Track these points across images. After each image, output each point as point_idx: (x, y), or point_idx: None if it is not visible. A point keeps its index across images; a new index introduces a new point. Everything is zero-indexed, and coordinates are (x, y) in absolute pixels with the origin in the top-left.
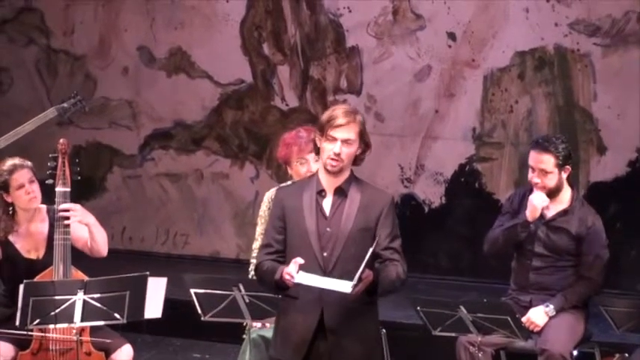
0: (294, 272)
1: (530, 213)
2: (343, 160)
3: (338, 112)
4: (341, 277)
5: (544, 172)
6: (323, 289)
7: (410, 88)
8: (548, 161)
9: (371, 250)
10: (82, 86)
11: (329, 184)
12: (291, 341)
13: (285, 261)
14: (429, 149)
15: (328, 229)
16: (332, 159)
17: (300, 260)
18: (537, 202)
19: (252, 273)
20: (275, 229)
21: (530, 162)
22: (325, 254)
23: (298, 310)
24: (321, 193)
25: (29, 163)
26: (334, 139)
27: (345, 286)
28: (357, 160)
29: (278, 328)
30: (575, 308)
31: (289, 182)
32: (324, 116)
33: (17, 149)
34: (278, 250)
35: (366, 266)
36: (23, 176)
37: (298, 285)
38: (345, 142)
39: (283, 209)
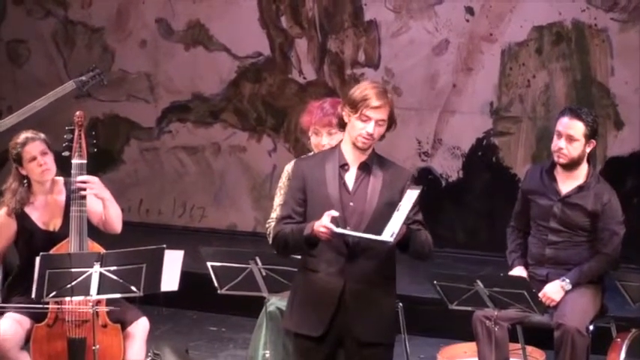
0: (329, 224)
1: (547, 301)
2: (375, 139)
3: (373, 92)
4: (364, 251)
5: (571, 139)
6: (360, 240)
7: (428, 62)
8: (578, 128)
9: (406, 204)
10: (100, 59)
11: (354, 158)
12: (312, 314)
13: None
14: (446, 123)
15: (351, 203)
16: (365, 137)
17: (334, 213)
18: (555, 296)
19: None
20: (295, 200)
21: (559, 127)
22: (348, 228)
23: (319, 283)
24: (344, 166)
25: (42, 136)
26: (369, 119)
27: (385, 237)
28: (381, 137)
29: (295, 300)
30: (592, 283)
31: (310, 154)
32: (358, 93)
33: (35, 122)
34: (298, 222)
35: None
36: (35, 148)
37: (332, 238)
38: (378, 122)
39: (304, 181)
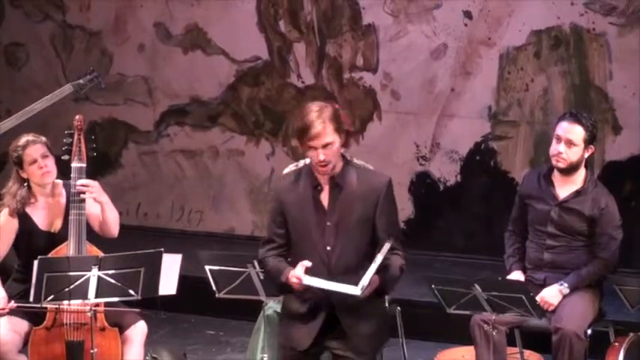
0: (302, 275)
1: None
2: (331, 161)
3: (310, 120)
4: (345, 270)
5: (570, 144)
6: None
7: (426, 66)
8: (578, 133)
9: (380, 257)
10: (98, 62)
11: (323, 178)
12: (301, 328)
13: (288, 254)
14: (444, 127)
15: (328, 223)
16: (321, 166)
17: (307, 263)
18: (553, 300)
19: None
20: (276, 223)
21: (559, 131)
22: (328, 248)
23: (307, 303)
24: (317, 187)
25: (43, 139)
26: (315, 148)
27: (353, 289)
28: (345, 145)
29: (285, 315)
30: (590, 287)
31: (292, 166)
32: (297, 126)
33: (34, 125)
34: (281, 244)
35: (378, 271)
36: (36, 151)
37: (306, 288)
38: (325, 146)
39: (282, 204)
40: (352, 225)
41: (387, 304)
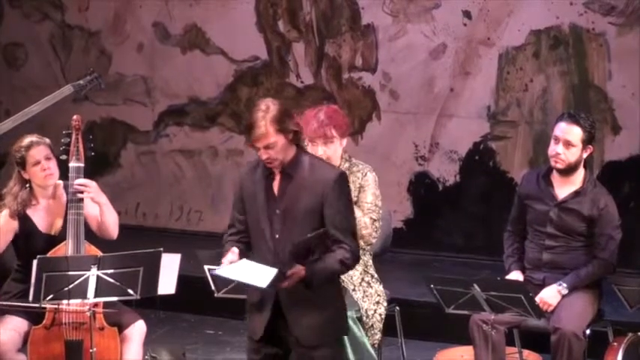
0: (226, 262)
1: (543, 305)
2: (277, 158)
3: (253, 120)
4: (290, 261)
5: (568, 145)
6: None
7: (425, 66)
8: (576, 134)
9: (300, 242)
10: (97, 62)
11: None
12: (254, 319)
13: (249, 240)
14: (443, 127)
15: (277, 211)
16: (266, 162)
17: (235, 250)
18: (552, 300)
19: None
20: (237, 209)
21: (557, 132)
22: (277, 236)
23: (258, 291)
24: (270, 175)
25: (47, 140)
26: (257, 148)
27: (262, 281)
28: (295, 140)
29: (247, 305)
30: (588, 287)
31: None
32: (246, 121)
33: (32, 126)
34: (240, 230)
35: (291, 261)
36: (40, 153)
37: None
38: (267, 146)
39: (242, 190)
40: (299, 214)
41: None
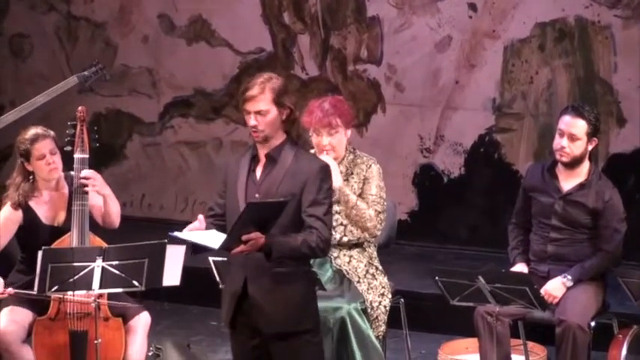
0: (189, 227)
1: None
2: (263, 130)
3: (248, 85)
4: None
5: (573, 138)
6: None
7: (430, 58)
8: (580, 127)
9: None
10: (102, 54)
11: (261, 150)
12: (225, 304)
13: (225, 225)
14: (448, 120)
15: (257, 195)
16: (252, 131)
17: (201, 217)
18: (557, 292)
19: None
20: (218, 192)
21: (561, 126)
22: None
23: (228, 274)
24: (255, 158)
25: (52, 133)
26: (248, 112)
27: (215, 243)
28: (287, 124)
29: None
30: (593, 279)
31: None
32: (241, 88)
33: (37, 117)
34: (218, 213)
35: (238, 227)
36: (45, 146)
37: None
38: (258, 113)
39: (226, 174)
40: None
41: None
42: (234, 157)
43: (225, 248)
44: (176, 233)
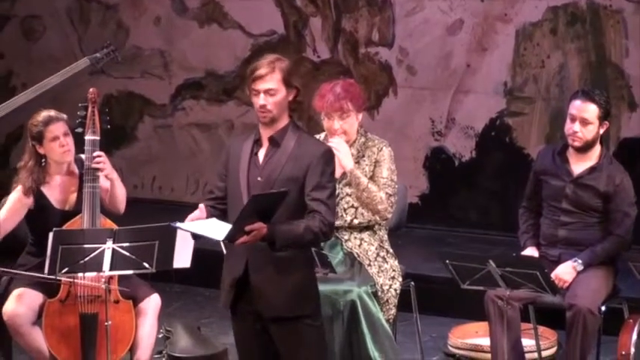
0: (190, 218)
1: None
2: (271, 111)
3: (256, 65)
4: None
5: (585, 122)
6: None
7: (442, 41)
8: (592, 111)
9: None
10: (114, 35)
11: (264, 133)
12: (224, 288)
13: (226, 208)
14: (460, 103)
15: (259, 178)
16: (260, 111)
17: (202, 206)
18: (567, 277)
19: None
20: (218, 175)
21: (572, 111)
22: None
23: (229, 259)
24: (258, 142)
25: (65, 116)
26: (257, 92)
27: (220, 235)
28: (291, 105)
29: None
30: (604, 264)
31: (322, 134)
32: (248, 69)
33: (49, 99)
34: (218, 196)
35: (244, 216)
36: (59, 129)
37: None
38: (267, 92)
39: (227, 156)
40: (281, 183)
41: (412, 282)
42: (236, 140)
43: (230, 240)
44: (178, 224)
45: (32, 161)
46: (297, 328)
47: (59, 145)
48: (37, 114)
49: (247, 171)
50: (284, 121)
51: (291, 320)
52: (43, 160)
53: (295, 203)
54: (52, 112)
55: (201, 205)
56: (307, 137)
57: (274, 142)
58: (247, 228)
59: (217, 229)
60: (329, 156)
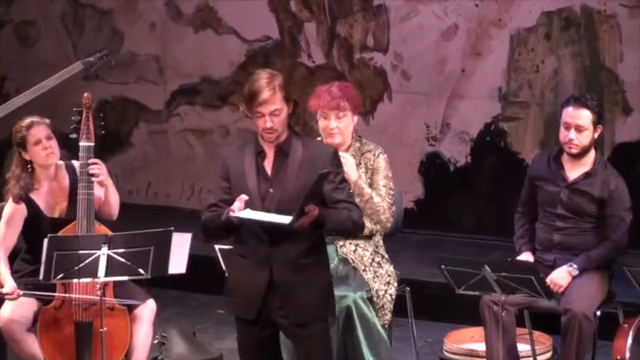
0: (236, 208)
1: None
2: (277, 130)
3: (259, 86)
4: (287, 237)
5: (580, 129)
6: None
7: (436, 46)
8: (585, 117)
9: (312, 184)
10: (109, 41)
11: (267, 145)
12: (245, 298)
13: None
14: (454, 108)
15: (271, 190)
16: (267, 133)
17: (244, 197)
18: (562, 281)
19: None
20: (222, 189)
21: (566, 119)
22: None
23: (248, 268)
24: (261, 154)
25: (47, 120)
26: (262, 115)
27: (285, 219)
28: (290, 117)
29: (229, 284)
30: (599, 269)
31: (318, 139)
32: (247, 91)
33: (44, 104)
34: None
35: (307, 199)
36: (40, 132)
37: (242, 221)
38: (272, 113)
39: (227, 170)
40: (295, 192)
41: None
42: (229, 152)
43: (293, 223)
44: (238, 214)
45: (19, 169)
46: (321, 328)
47: (42, 148)
48: (20, 121)
49: (257, 184)
50: (285, 132)
51: (312, 324)
52: (29, 166)
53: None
54: (34, 118)
55: (243, 196)
56: (311, 140)
57: (282, 152)
58: (307, 208)
59: (274, 217)
60: (337, 156)
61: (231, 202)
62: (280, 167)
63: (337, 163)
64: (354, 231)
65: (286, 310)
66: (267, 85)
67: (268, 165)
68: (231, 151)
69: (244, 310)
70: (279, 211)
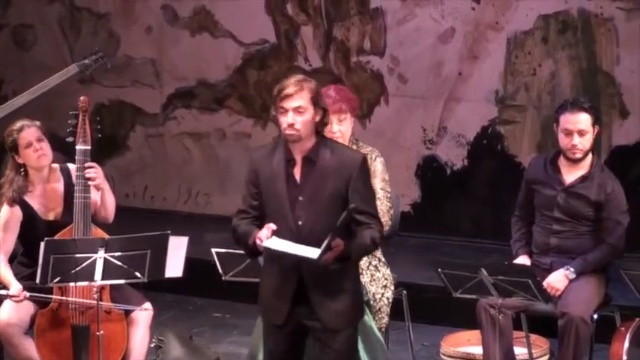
0: (264, 237)
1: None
2: (299, 130)
3: (285, 84)
4: (316, 245)
5: (582, 133)
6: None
7: (433, 50)
8: (585, 120)
9: (341, 218)
10: (106, 44)
11: (296, 152)
12: (274, 304)
13: (262, 226)
14: (451, 111)
15: (300, 197)
16: (288, 130)
17: (272, 226)
18: (559, 285)
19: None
20: (250, 194)
21: (567, 125)
22: (300, 223)
23: (278, 273)
24: (290, 162)
25: (38, 123)
26: (285, 110)
27: (312, 253)
28: (319, 126)
29: (262, 288)
30: (596, 272)
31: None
32: (276, 89)
33: (40, 107)
34: (255, 216)
35: (335, 235)
36: (31, 134)
37: (267, 249)
38: (296, 110)
39: (257, 175)
40: (324, 200)
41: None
42: (258, 156)
43: (320, 257)
44: (265, 243)
45: (12, 172)
46: (351, 334)
47: (33, 150)
48: (11, 125)
49: (287, 192)
50: (312, 139)
51: (349, 328)
52: (22, 169)
53: (339, 214)
54: (25, 121)
55: (272, 225)
56: (338, 145)
57: (309, 160)
58: (335, 243)
59: (303, 249)
60: (365, 163)
61: (261, 208)
62: (309, 175)
63: (365, 171)
64: (375, 249)
65: (318, 315)
66: (296, 83)
67: (297, 172)
68: (262, 156)
69: (274, 315)
70: (307, 220)
